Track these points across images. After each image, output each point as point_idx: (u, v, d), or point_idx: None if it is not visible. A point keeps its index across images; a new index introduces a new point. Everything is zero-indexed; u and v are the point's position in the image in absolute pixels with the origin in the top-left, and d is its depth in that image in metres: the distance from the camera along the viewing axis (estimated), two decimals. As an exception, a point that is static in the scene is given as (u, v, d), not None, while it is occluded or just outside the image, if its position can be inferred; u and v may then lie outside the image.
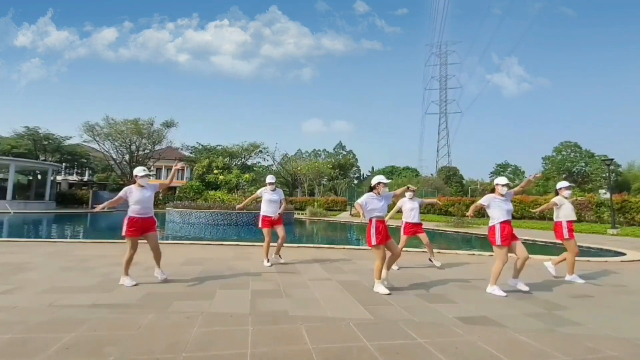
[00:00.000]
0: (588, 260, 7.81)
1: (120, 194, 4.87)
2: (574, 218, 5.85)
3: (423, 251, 8.79)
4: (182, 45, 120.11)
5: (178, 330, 3.07)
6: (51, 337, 2.85)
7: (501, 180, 4.94)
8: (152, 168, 45.83)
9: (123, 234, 4.73)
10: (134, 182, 4.90)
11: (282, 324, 3.30)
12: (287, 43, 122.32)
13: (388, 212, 5.04)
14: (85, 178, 47.82)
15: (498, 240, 4.68)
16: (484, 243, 11.60)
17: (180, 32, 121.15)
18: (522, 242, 5.87)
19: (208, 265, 6.18)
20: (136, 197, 4.77)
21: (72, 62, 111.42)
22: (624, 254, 8.79)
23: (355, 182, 64.70)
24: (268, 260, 6.37)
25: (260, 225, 6.53)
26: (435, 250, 8.99)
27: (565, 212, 5.85)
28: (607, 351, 2.85)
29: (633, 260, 7.91)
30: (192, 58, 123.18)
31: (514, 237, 4.75)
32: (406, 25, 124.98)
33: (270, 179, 6.68)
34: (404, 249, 6.96)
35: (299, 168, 45.08)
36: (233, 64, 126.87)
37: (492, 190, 4.98)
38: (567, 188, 6.00)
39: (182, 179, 50.49)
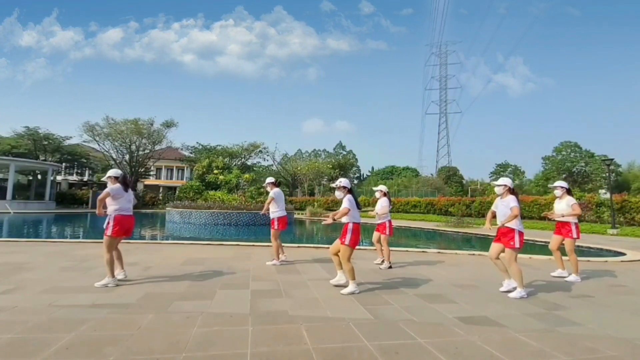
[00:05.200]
0: (588, 260, 7.80)
1: None
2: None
3: (423, 251, 8.80)
4: (184, 46, 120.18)
5: (178, 330, 3.07)
6: (51, 337, 2.85)
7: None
8: (152, 168, 45.85)
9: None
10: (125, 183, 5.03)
11: (282, 324, 3.30)
12: (292, 43, 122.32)
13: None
14: (85, 178, 47.79)
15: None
16: (484, 243, 11.60)
17: (183, 32, 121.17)
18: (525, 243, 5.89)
19: (208, 265, 6.18)
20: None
21: (77, 62, 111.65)
22: (624, 254, 8.79)
23: (355, 182, 64.71)
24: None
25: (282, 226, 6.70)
26: (435, 250, 9.01)
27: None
28: (607, 351, 2.85)
29: (633, 260, 7.90)
30: (192, 58, 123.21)
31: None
32: (406, 25, 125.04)
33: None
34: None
35: (299, 168, 45.09)
36: (236, 64, 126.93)
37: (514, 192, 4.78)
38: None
39: (182, 179, 50.48)
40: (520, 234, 4.60)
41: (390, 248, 6.64)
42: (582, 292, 4.92)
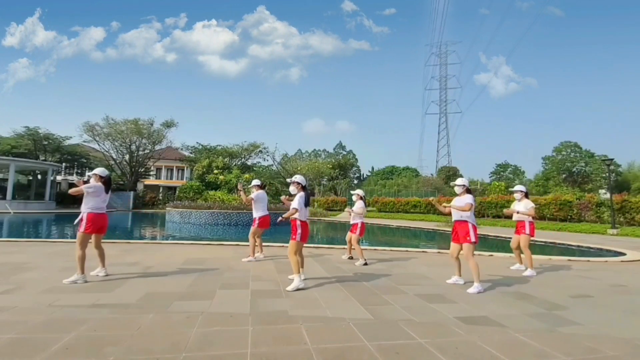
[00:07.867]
0: (588, 260, 7.80)
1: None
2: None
3: (423, 251, 8.79)
4: (178, 45, 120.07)
5: (178, 330, 3.06)
6: (51, 337, 2.84)
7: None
8: (152, 168, 45.83)
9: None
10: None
11: (282, 324, 3.30)
12: (288, 44, 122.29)
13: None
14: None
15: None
16: (484, 243, 11.60)
17: (178, 31, 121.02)
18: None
19: (208, 265, 6.18)
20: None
21: (60, 61, 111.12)
22: (624, 254, 8.78)
23: (355, 182, 64.69)
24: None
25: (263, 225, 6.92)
26: (435, 250, 9.00)
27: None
28: (607, 351, 2.85)
29: (633, 260, 7.90)
30: (191, 58, 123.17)
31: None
32: (406, 25, 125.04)
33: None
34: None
35: (299, 168, 45.07)
36: (233, 64, 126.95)
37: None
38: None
39: (182, 179, 50.47)
40: (474, 227, 5.03)
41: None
42: (582, 292, 4.92)
